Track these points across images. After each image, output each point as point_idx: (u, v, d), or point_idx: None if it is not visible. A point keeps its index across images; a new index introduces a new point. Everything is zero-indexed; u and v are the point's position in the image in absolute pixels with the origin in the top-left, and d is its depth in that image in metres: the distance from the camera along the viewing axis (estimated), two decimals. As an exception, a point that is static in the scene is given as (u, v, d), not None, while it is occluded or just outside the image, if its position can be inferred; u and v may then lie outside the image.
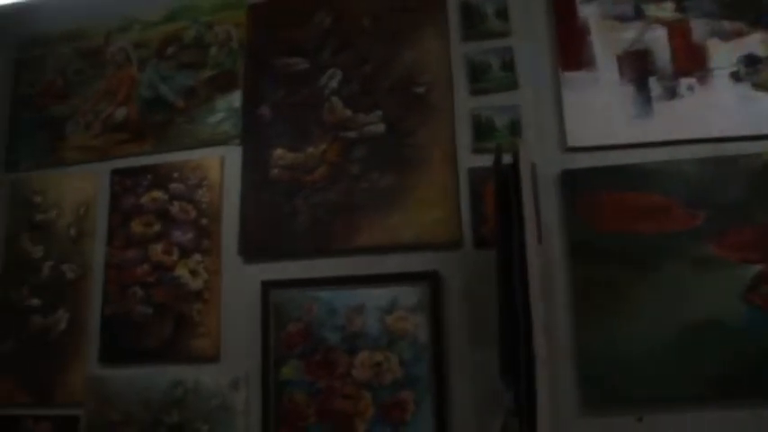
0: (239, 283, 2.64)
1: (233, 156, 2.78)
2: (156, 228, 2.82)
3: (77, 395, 2.77)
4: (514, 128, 2.42)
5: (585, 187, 2.31)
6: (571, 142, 2.37)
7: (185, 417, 2.59)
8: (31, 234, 3.03)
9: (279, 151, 2.69)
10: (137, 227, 2.85)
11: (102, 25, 3.14)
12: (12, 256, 3.04)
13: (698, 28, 2.39)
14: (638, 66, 2.39)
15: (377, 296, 2.44)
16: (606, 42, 2.44)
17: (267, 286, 2.57)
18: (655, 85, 2.37)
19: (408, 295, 2.41)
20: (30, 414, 2.84)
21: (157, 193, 2.85)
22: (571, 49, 2.46)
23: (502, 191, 2.03)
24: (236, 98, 2.83)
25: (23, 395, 2.86)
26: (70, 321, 2.87)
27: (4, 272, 3.03)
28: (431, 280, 2.39)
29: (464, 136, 2.49)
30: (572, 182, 2.33)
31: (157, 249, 2.79)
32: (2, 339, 2.95)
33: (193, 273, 2.71)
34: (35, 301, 2.95)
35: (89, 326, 2.83)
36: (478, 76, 2.52)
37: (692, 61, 2.36)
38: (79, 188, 3.00)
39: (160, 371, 2.67)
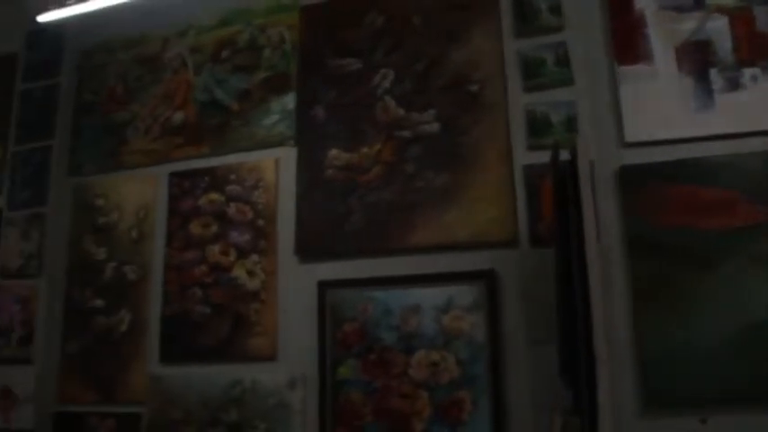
0: (296, 284, 2.67)
1: (288, 157, 2.80)
2: (214, 229, 2.86)
3: (139, 393, 2.84)
4: (570, 124, 2.39)
5: (644, 183, 2.26)
6: (629, 137, 2.32)
7: (243, 415, 2.62)
8: (94, 236, 3.11)
9: (333, 152, 2.71)
10: (195, 228, 2.90)
11: (160, 32, 3.21)
12: (76, 259, 3.13)
13: (762, 16, 2.31)
14: (697, 57, 2.32)
15: (432, 296, 2.43)
16: (664, 34, 2.38)
17: (323, 286, 2.59)
18: (716, 77, 2.30)
19: (464, 294, 2.40)
20: (95, 411, 2.92)
21: (215, 195, 2.89)
22: (627, 42, 2.41)
23: (559, 188, 2.00)
24: (290, 100, 2.86)
25: (89, 393, 2.95)
26: (132, 322, 2.94)
27: (69, 273, 3.12)
28: (487, 279, 2.37)
29: (519, 133, 2.46)
30: (630, 178, 2.28)
31: (215, 250, 2.84)
32: (68, 339, 3.05)
33: (250, 273, 2.75)
34: (98, 302, 3.03)
35: (150, 326, 2.90)
36: (532, 72, 2.49)
37: (755, 51, 2.29)
38: (139, 191, 3.07)
39: (218, 370, 2.72)
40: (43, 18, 2.99)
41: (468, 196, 2.46)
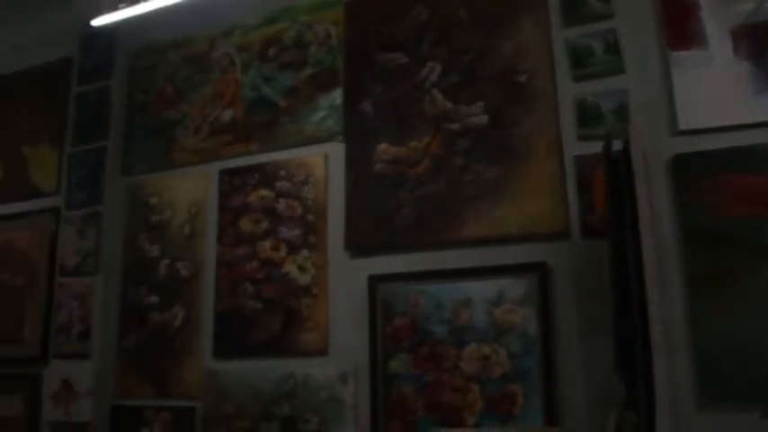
0: (346, 278, 2.68)
1: (336, 152, 2.82)
2: (264, 225, 2.89)
3: (194, 388, 2.89)
4: (622, 113, 2.34)
5: (700, 171, 2.20)
6: (683, 125, 2.26)
7: (296, 409, 2.65)
8: (148, 234, 3.18)
9: (382, 146, 2.71)
10: (245, 225, 2.93)
11: (206, 32, 3.25)
12: (131, 256, 3.20)
13: (823, -5, 2.23)
14: (755, 40, 2.25)
15: (483, 289, 2.42)
16: (719, 17, 2.31)
17: (374, 280, 2.60)
18: (774, 61, 2.23)
19: (516, 287, 2.38)
20: (152, 405, 2.98)
21: (264, 192, 2.92)
22: (680, 26, 2.35)
23: (612, 178, 1.97)
24: (337, 95, 2.87)
25: (145, 388, 3.01)
26: (185, 317, 2.99)
27: (125, 271, 3.19)
28: (539, 271, 2.35)
29: (569, 123, 2.43)
30: (685, 166, 2.23)
31: (266, 246, 2.87)
32: (124, 335, 3.12)
33: (301, 268, 2.77)
34: (153, 299, 3.09)
35: (203, 321, 2.95)
36: (582, 62, 2.45)
37: (816, 32, 2.21)
38: (190, 189, 3.12)
39: (271, 364, 2.75)
40: (97, 22, 3.06)
41: (518, 188, 2.44)
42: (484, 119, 2.55)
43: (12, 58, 3.80)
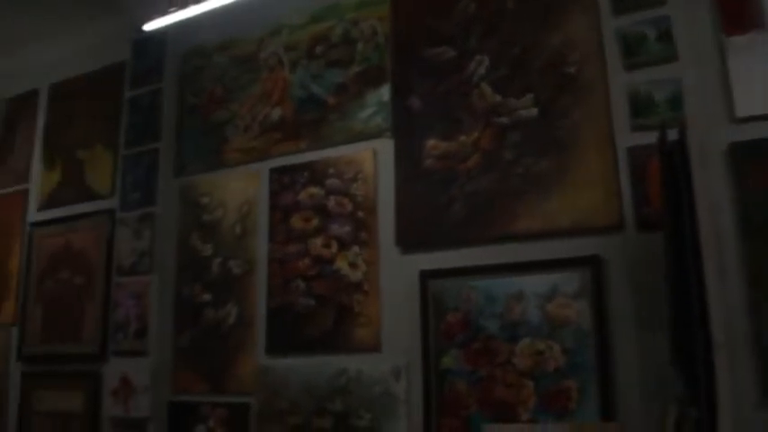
0: (398, 274, 2.68)
1: (385, 148, 2.82)
2: (315, 222, 2.91)
3: (248, 384, 2.93)
4: (676, 101, 2.29)
5: (758, 159, 2.14)
6: (740, 112, 2.20)
7: (349, 405, 2.66)
8: (201, 233, 3.23)
9: (431, 141, 2.70)
10: (296, 222, 2.96)
11: (254, 33, 3.29)
12: (184, 255, 3.26)
13: None
14: (815, 23, 2.18)
15: (536, 283, 2.39)
16: (777, 0, 2.24)
17: (425, 276, 2.60)
18: (838, 43, 2.15)
19: (569, 281, 2.34)
20: (207, 401, 3.03)
21: (314, 189, 2.94)
22: (735, 10, 2.28)
23: (668, 169, 1.92)
24: (385, 91, 2.87)
25: (200, 384, 3.06)
26: (239, 314, 3.04)
27: (179, 270, 3.25)
28: (592, 265, 2.32)
29: (621, 114, 2.38)
30: (743, 154, 2.17)
31: (317, 243, 2.89)
32: (179, 332, 3.18)
33: (352, 265, 2.78)
34: (207, 297, 3.14)
35: (256, 318, 2.99)
36: (633, 50, 2.40)
37: None
38: (241, 188, 3.16)
39: (323, 360, 2.77)
40: (149, 27, 3.11)
41: (569, 181, 2.41)
42: (533, 111, 2.53)
43: (68, 65, 3.91)
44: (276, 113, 3.13)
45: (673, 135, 1.94)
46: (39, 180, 3.91)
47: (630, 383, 2.22)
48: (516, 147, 2.53)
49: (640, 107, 2.34)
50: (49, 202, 3.83)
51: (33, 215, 3.88)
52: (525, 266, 2.43)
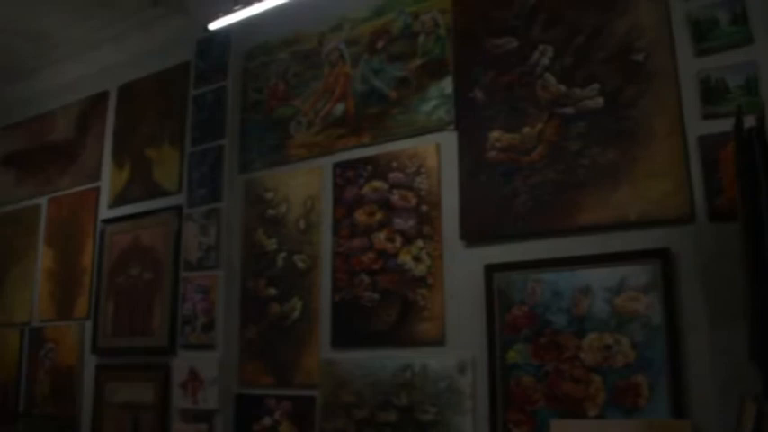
0: (462, 268, 2.67)
1: (449, 141, 2.80)
2: (379, 216, 2.92)
3: (313, 377, 2.96)
4: (751, 87, 2.20)
5: (841, 147, 2.04)
6: (820, 97, 2.11)
7: (414, 399, 2.66)
8: (265, 228, 3.27)
9: (494, 133, 2.67)
10: (360, 216, 2.97)
11: (316, 28, 3.31)
12: (249, 250, 3.30)
13: None
14: None
15: (604, 276, 2.34)
16: None
17: (490, 269, 2.57)
18: None
19: (638, 275, 2.29)
20: (272, 394, 3.07)
21: (378, 183, 2.95)
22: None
23: (745, 157, 1.85)
24: (447, 84, 2.85)
25: (267, 377, 3.10)
26: (303, 308, 3.06)
27: (244, 264, 3.30)
28: (662, 258, 2.26)
29: (691, 102, 2.31)
30: (824, 142, 2.07)
31: (381, 237, 2.89)
32: (246, 326, 3.23)
33: (417, 259, 2.77)
34: (272, 291, 3.18)
35: (321, 312, 3.01)
36: (704, 35, 2.32)
37: None
38: (305, 183, 3.19)
39: (388, 354, 2.77)
40: (213, 26, 3.16)
41: (637, 172, 2.35)
42: (599, 101, 2.47)
43: (135, 66, 4.01)
44: (339, 108, 3.15)
45: (749, 122, 1.86)
46: (109, 178, 4.03)
47: (703, 379, 2.16)
48: (582, 138, 2.48)
49: (712, 94, 2.27)
50: (119, 200, 3.94)
51: (104, 212, 4.00)
52: (592, 259, 2.38)
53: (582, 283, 2.38)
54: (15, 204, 4.52)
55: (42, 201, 4.38)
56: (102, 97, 4.21)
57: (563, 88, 2.55)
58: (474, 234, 2.66)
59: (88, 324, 3.89)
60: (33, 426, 3.85)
